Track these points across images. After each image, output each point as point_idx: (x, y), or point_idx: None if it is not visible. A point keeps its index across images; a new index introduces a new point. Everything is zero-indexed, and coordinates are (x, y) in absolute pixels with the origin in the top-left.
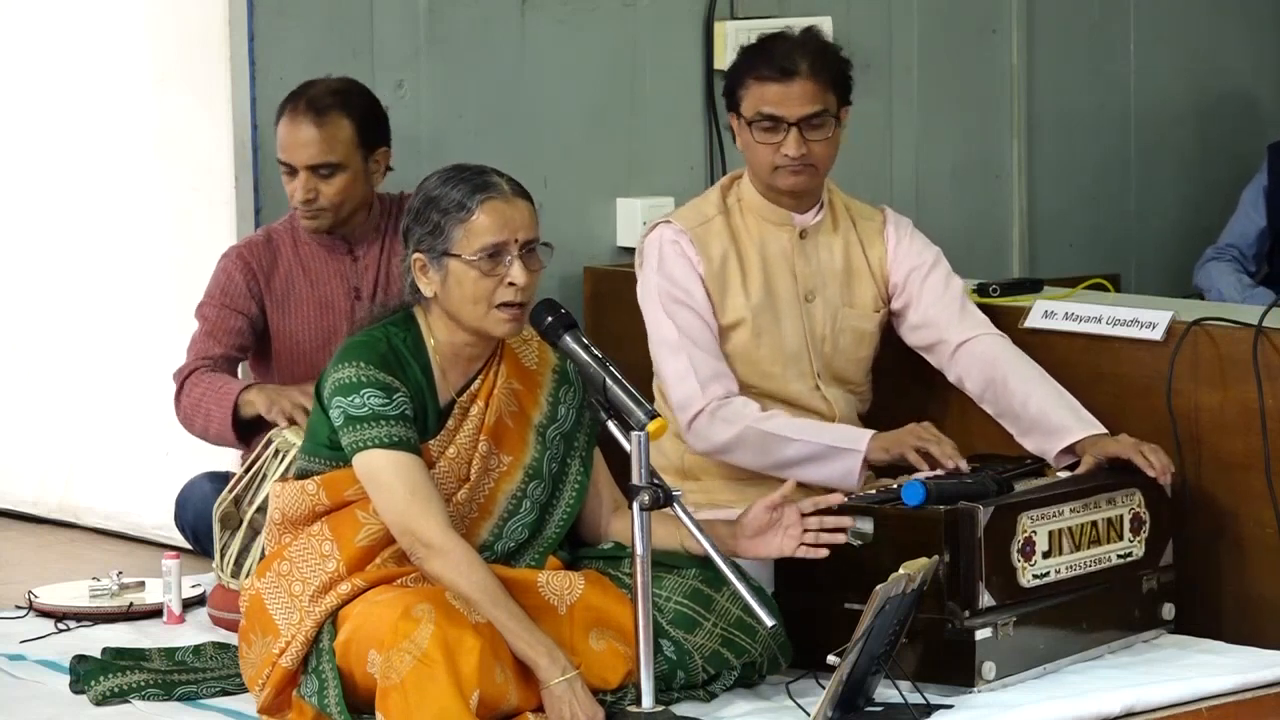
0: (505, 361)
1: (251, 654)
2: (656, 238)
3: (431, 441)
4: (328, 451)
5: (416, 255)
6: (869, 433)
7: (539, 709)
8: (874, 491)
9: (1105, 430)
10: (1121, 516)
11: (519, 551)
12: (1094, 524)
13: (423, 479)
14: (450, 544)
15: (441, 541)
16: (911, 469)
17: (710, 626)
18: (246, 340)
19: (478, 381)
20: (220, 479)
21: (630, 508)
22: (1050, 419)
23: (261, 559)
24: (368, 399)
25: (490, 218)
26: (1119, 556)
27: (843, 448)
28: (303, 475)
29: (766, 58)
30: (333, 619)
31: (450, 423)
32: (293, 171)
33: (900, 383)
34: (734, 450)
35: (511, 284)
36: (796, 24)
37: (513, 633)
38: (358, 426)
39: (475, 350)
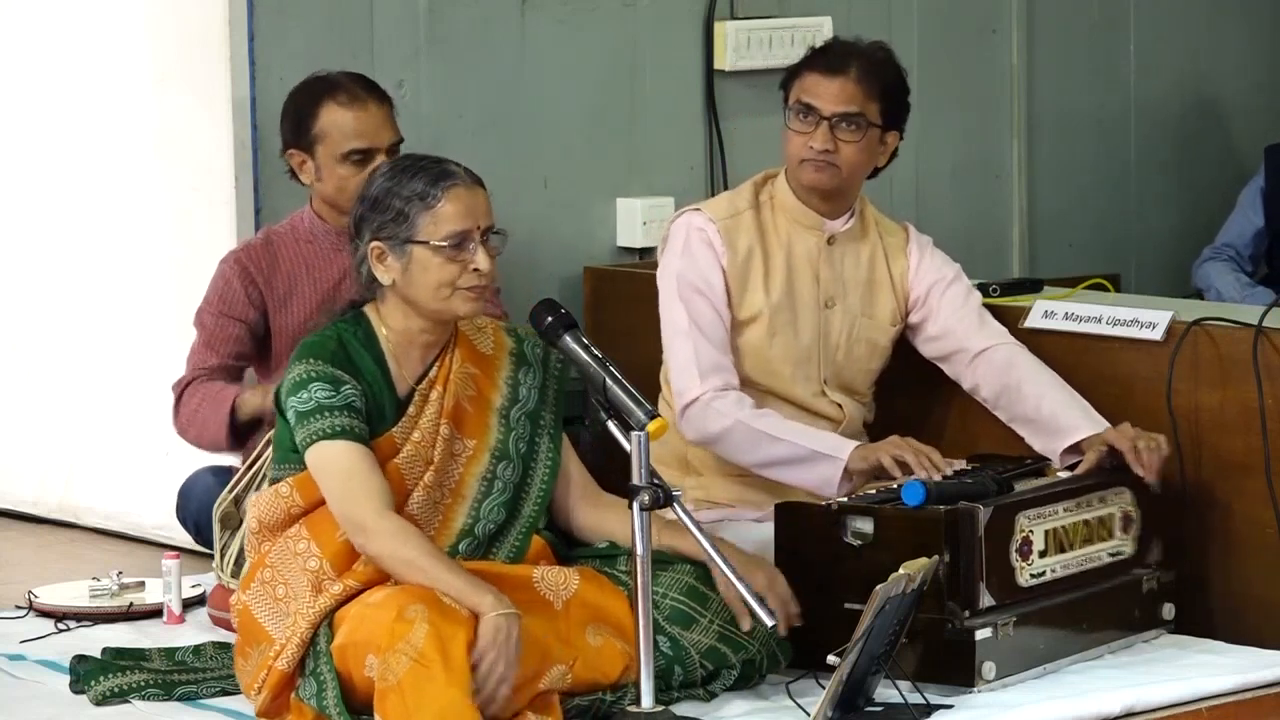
0: (460, 348)
1: (248, 666)
2: (684, 223)
3: (394, 430)
4: (296, 457)
5: (375, 244)
6: (854, 442)
7: (535, 705)
8: (874, 491)
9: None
10: (1112, 515)
11: (500, 534)
12: (1086, 523)
13: (361, 465)
14: (383, 523)
15: (374, 523)
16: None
17: (706, 624)
18: (245, 348)
19: (435, 369)
20: (223, 472)
21: (630, 508)
22: (1060, 419)
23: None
24: (314, 393)
25: (455, 205)
26: (1110, 555)
27: (825, 454)
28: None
29: (824, 52)
30: (328, 621)
31: (411, 409)
32: (367, 157)
33: (903, 388)
34: (722, 442)
35: (476, 269)
36: (797, 24)
37: (458, 589)
38: (306, 422)
39: (430, 336)
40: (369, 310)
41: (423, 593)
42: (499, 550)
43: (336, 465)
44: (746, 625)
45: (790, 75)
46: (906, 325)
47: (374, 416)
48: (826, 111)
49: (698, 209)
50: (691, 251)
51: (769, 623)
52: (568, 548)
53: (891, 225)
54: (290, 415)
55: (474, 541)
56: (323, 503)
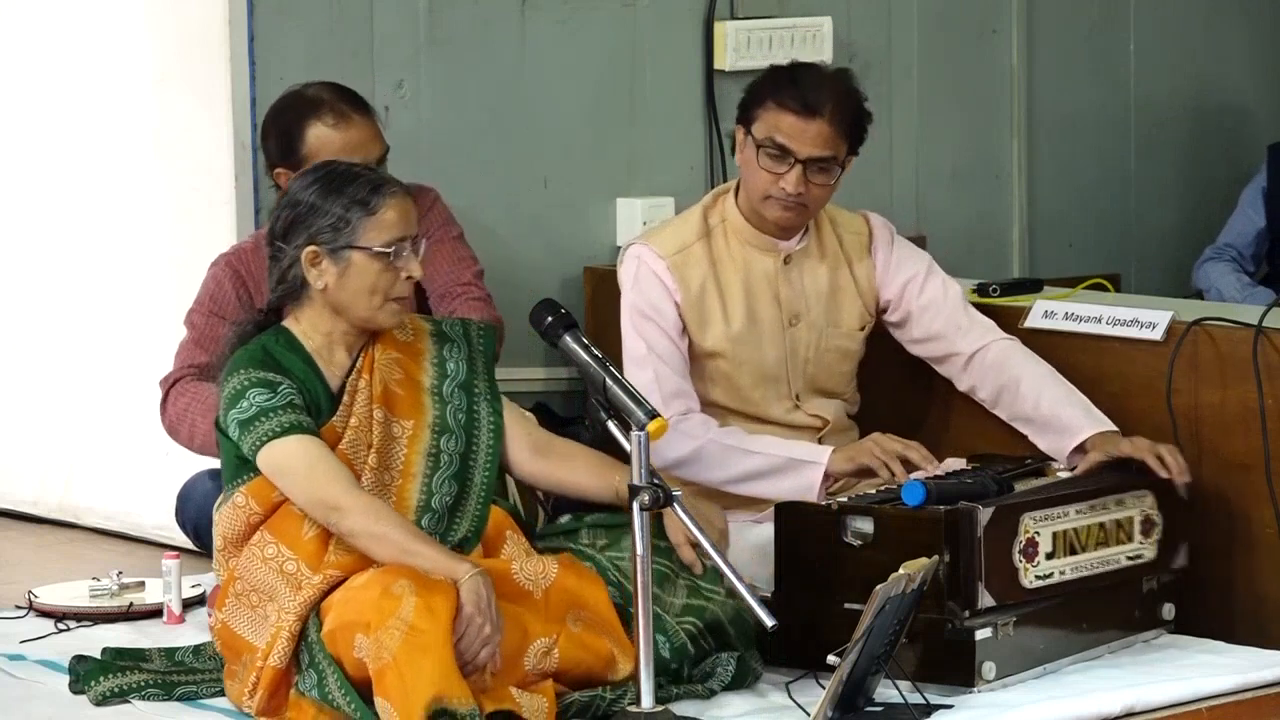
0: (380, 340)
1: (235, 685)
2: (634, 256)
3: (334, 419)
4: (246, 468)
5: (311, 248)
6: (829, 447)
7: (521, 686)
8: (874, 491)
9: (1116, 428)
10: (1132, 518)
11: (458, 505)
12: (1102, 525)
13: (320, 453)
14: (354, 499)
15: (346, 500)
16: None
17: (675, 579)
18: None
19: (360, 359)
20: (221, 476)
21: (630, 507)
22: (1062, 418)
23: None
24: (254, 399)
25: (395, 213)
26: (1128, 558)
27: (804, 460)
28: None
29: (794, 87)
30: (316, 611)
31: (345, 398)
32: None
33: (894, 383)
34: (692, 464)
35: (409, 277)
36: (797, 24)
37: (433, 559)
38: (250, 428)
39: (352, 337)
40: (286, 323)
41: (404, 569)
42: (460, 521)
43: (294, 458)
44: (699, 570)
45: (754, 101)
46: (888, 324)
47: (311, 411)
48: (802, 155)
49: (645, 243)
50: (641, 284)
51: (769, 623)
52: (534, 537)
53: (850, 219)
54: (232, 428)
55: (434, 516)
56: (280, 506)
